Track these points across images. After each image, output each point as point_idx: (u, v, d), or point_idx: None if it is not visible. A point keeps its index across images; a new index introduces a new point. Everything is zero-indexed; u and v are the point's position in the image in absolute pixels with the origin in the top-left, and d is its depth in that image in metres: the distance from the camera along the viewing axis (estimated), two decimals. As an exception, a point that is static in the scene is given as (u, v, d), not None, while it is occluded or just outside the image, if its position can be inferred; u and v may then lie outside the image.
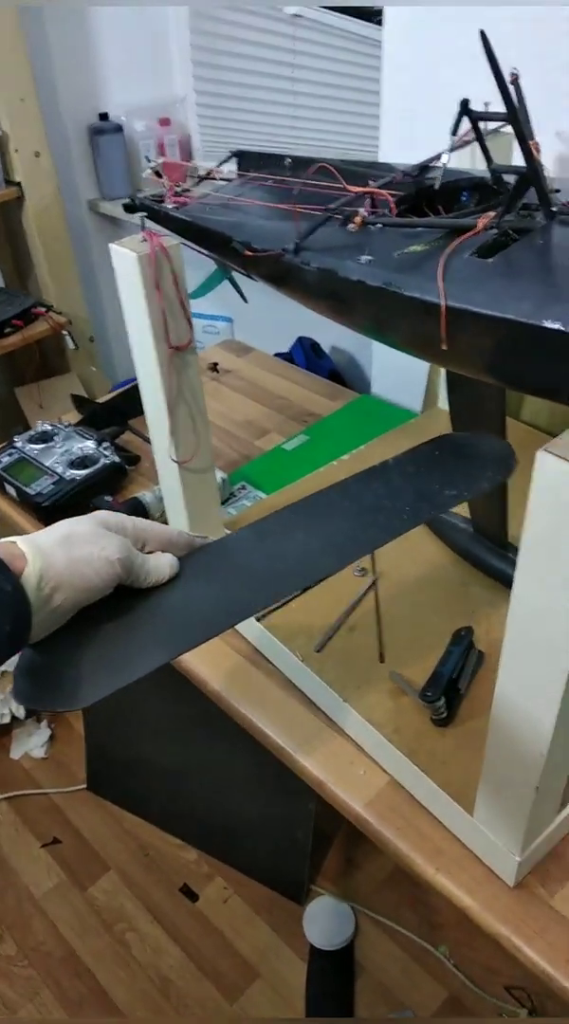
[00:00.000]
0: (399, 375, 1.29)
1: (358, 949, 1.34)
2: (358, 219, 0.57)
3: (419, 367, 1.24)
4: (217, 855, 1.47)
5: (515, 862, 0.60)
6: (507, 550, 0.83)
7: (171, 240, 0.69)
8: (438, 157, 0.66)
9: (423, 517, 0.53)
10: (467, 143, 0.76)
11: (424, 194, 0.66)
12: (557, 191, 0.56)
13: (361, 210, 0.57)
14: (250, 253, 0.67)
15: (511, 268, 0.51)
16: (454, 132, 0.56)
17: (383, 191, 0.63)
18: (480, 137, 0.55)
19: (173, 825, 1.51)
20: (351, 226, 0.59)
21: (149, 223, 0.76)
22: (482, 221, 0.55)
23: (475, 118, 0.54)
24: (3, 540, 0.48)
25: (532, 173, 0.51)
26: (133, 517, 0.54)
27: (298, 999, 1.28)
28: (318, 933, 1.33)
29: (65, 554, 0.48)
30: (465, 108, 0.53)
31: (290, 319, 1.62)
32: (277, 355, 1.64)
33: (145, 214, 0.74)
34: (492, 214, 0.55)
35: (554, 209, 0.53)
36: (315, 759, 0.73)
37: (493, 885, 0.63)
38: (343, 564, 0.52)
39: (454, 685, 0.70)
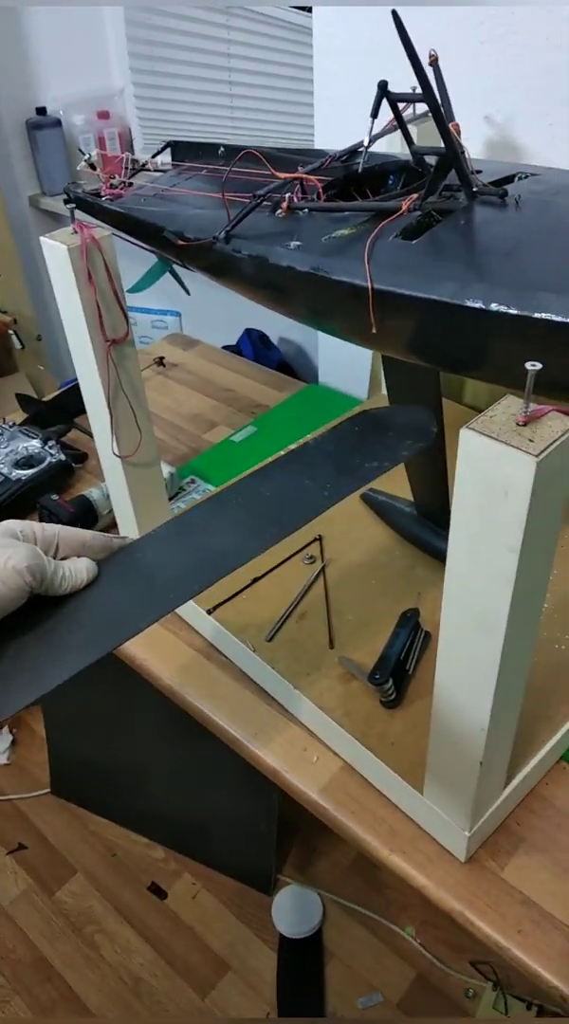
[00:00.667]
0: (344, 363, 1.29)
1: (326, 935, 1.35)
2: (285, 205, 0.57)
3: (363, 355, 1.24)
4: (184, 852, 1.47)
5: (465, 837, 0.61)
6: (448, 530, 0.83)
7: (103, 231, 0.68)
8: (369, 142, 0.66)
9: (345, 492, 0.52)
10: (395, 128, 0.76)
11: (352, 179, 0.67)
12: (478, 172, 0.57)
13: (289, 195, 0.57)
14: (182, 243, 0.67)
15: (435, 249, 0.52)
16: (374, 114, 0.56)
17: (310, 176, 0.63)
18: (399, 119, 0.56)
19: (139, 824, 1.50)
20: (279, 212, 0.59)
21: (80, 215, 0.75)
22: (406, 203, 0.55)
23: (394, 100, 0.54)
24: None
25: (452, 154, 0.52)
26: (43, 523, 0.52)
27: (269, 989, 1.28)
28: (286, 922, 1.34)
29: None
30: (383, 90, 0.54)
31: (237, 311, 1.62)
32: (225, 348, 1.64)
33: (74, 206, 0.73)
34: (415, 196, 0.55)
35: (475, 189, 0.54)
36: (270, 748, 0.73)
37: (446, 862, 0.64)
38: (265, 546, 0.51)
39: (402, 667, 0.71)
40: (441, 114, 0.50)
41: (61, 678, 0.44)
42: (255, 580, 0.84)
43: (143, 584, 0.50)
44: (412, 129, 0.84)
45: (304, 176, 0.63)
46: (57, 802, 1.56)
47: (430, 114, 0.76)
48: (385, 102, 0.55)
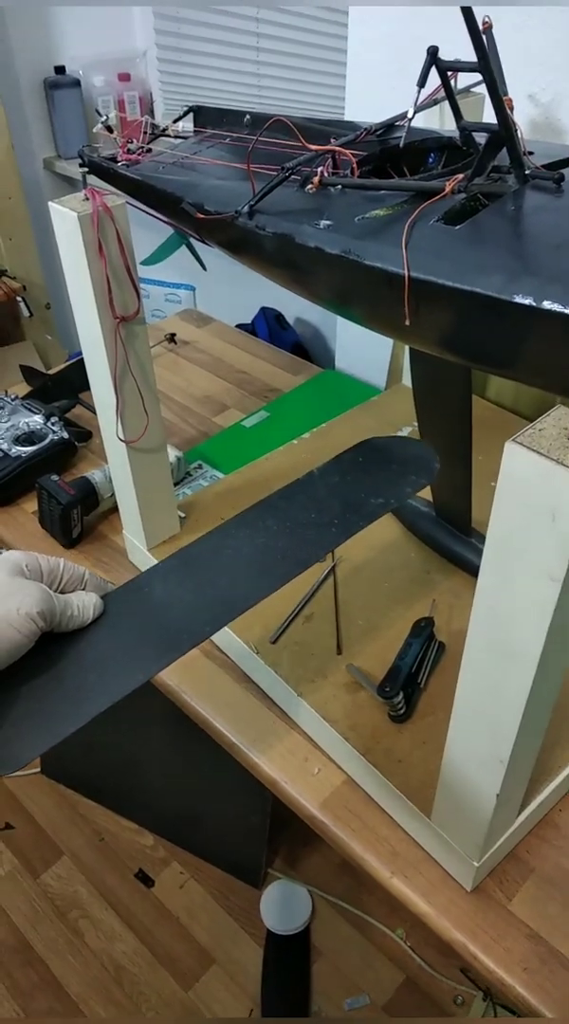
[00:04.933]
0: (363, 350, 1.25)
1: (314, 933, 1.32)
2: (316, 179, 0.52)
3: (383, 342, 1.19)
4: (174, 840, 1.44)
5: (473, 867, 0.58)
6: (470, 536, 0.79)
7: (116, 199, 0.63)
8: (404, 115, 0.61)
9: (353, 530, 0.51)
10: (435, 102, 0.71)
11: (389, 155, 0.62)
12: (530, 153, 0.52)
13: (320, 169, 0.52)
14: (202, 216, 0.62)
15: (480, 236, 0.47)
16: (421, 83, 0.51)
17: (345, 150, 0.58)
18: (449, 89, 0.51)
19: (129, 809, 1.48)
20: (309, 187, 0.54)
21: (95, 181, 0.70)
22: (450, 184, 0.50)
23: (444, 68, 0.49)
24: None
25: (505, 131, 0.47)
26: (45, 556, 0.49)
27: (254, 985, 1.26)
28: (275, 917, 1.31)
29: None
30: (433, 57, 0.48)
31: (254, 288, 1.56)
32: (239, 326, 1.59)
33: (86, 169, 0.68)
34: (460, 177, 0.50)
35: (527, 172, 0.49)
36: (269, 757, 0.69)
37: (450, 890, 0.60)
38: (275, 587, 0.49)
39: (413, 679, 0.67)
40: (496, 86, 0.45)
41: (75, 726, 0.42)
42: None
43: (152, 624, 0.48)
44: (444, 108, 0.80)
45: (337, 149, 0.58)
46: (47, 783, 1.54)
47: (480, 86, 0.71)
48: (433, 71, 0.50)
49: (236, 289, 1.65)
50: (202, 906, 1.36)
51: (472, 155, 0.57)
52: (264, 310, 1.68)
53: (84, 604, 0.47)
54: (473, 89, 0.84)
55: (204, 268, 0.91)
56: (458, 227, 0.48)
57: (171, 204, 0.67)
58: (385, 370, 1.22)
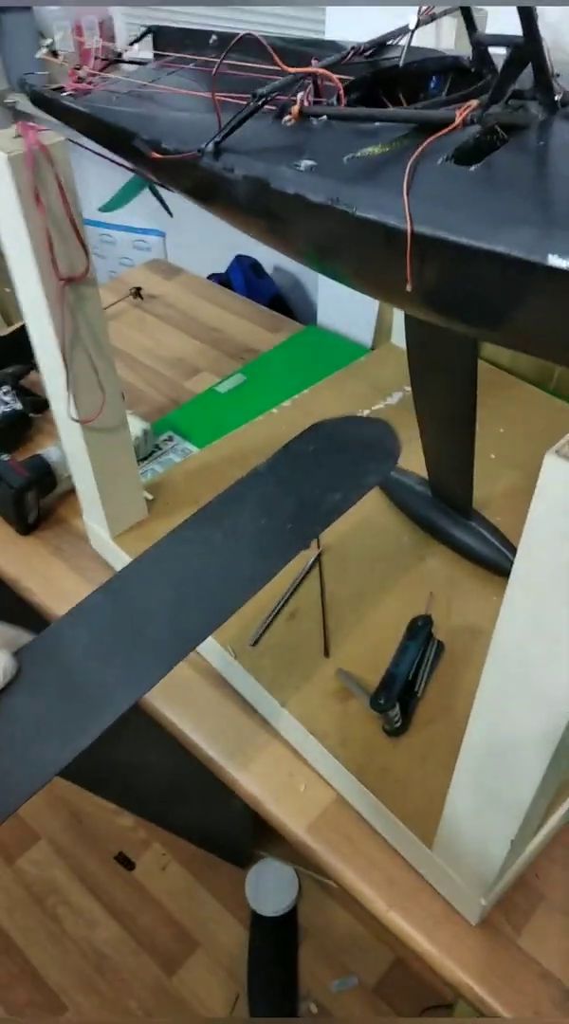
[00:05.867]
0: (347, 304, 1.15)
1: (301, 913, 1.29)
2: (296, 109, 0.43)
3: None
4: (155, 820, 1.39)
5: (480, 905, 0.52)
6: (470, 519, 0.72)
7: (54, 136, 0.53)
8: (401, 32, 0.51)
9: (309, 535, 0.46)
10: (434, 17, 0.61)
11: (382, 79, 0.52)
12: (557, 75, 0.42)
13: (300, 95, 0.42)
14: (158, 155, 0.52)
15: (501, 180, 0.38)
16: None
17: (329, 72, 0.48)
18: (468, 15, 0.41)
19: (107, 790, 1.42)
20: (287, 119, 0.45)
21: (44, 117, 0.59)
22: (461, 113, 0.41)
23: None
24: None
25: (532, 45, 0.37)
26: None
27: (240, 968, 1.23)
28: (261, 899, 1.27)
29: None
30: None
31: (229, 234, 1.44)
32: (212, 276, 1.47)
33: (14, 102, 0.57)
34: (474, 103, 0.41)
35: (558, 98, 0.39)
36: (250, 772, 0.63)
37: (453, 924, 0.54)
38: (221, 621, 0.41)
39: (410, 688, 0.60)
40: (523, -16, 0.35)
41: None
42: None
43: (71, 689, 0.39)
44: (441, 25, 0.69)
45: (321, 72, 0.48)
46: (21, 763, 1.47)
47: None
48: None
49: (209, 235, 1.52)
50: (185, 889, 1.32)
51: (485, 78, 0.47)
52: (240, 258, 1.56)
53: None
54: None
55: (170, 214, 0.81)
56: (473, 168, 0.39)
57: (124, 141, 0.57)
58: (372, 326, 1.13)
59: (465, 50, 0.52)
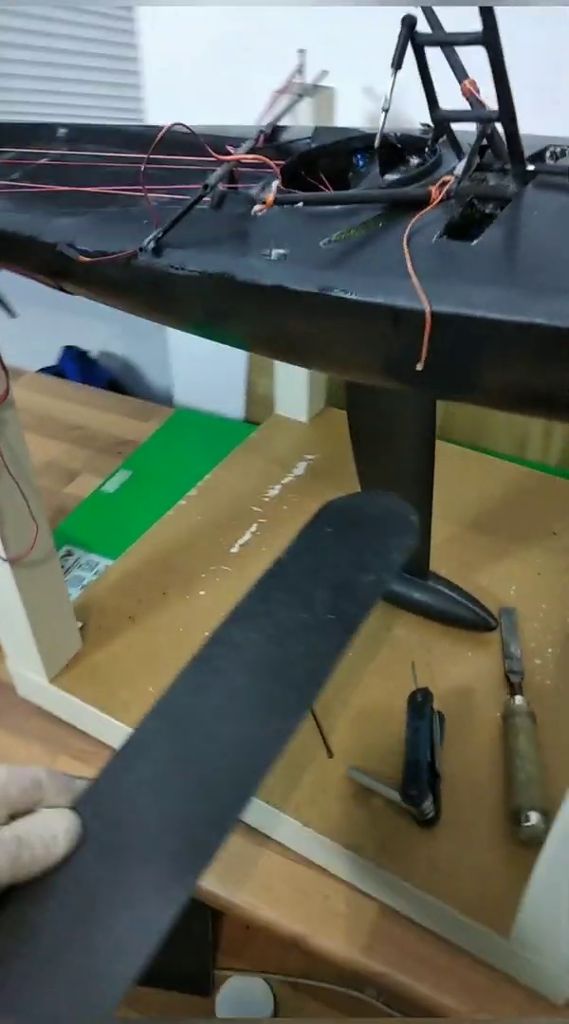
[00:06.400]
0: (210, 381, 1.12)
1: (283, 1019, 1.19)
2: (270, 197, 0.40)
3: (234, 369, 1.08)
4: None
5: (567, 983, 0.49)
6: (427, 579, 0.71)
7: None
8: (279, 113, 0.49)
9: (356, 622, 0.41)
10: (300, 98, 0.62)
11: (306, 160, 0.50)
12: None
13: (275, 184, 0.39)
14: (86, 259, 0.47)
15: (509, 252, 0.37)
16: (398, 65, 0.40)
17: (266, 158, 0.46)
18: (425, 70, 0.40)
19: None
20: (257, 209, 0.42)
21: None
22: (436, 189, 0.40)
23: (422, 43, 0.39)
24: None
25: (507, 117, 0.37)
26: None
27: None
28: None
29: None
30: (411, 29, 0.38)
31: (51, 324, 1.38)
32: (43, 370, 1.40)
33: None
34: (451, 179, 0.40)
35: (531, 169, 0.40)
36: (282, 908, 0.56)
37: (541, 1010, 0.51)
38: (296, 724, 0.36)
39: (433, 770, 0.57)
40: (502, 59, 0.35)
41: None
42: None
43: (137, 848, 0.32)
44: (303, 104, 0.70)
45: (259, 158, 0.46)
46: None
47: (323, 82, 0.62)
48: (410, 50, 0.39)
49: (31, 329, 1.45)
50: (151, 1040, 1.18)
51: (427, 154, 0.47)
52: (68, 348, 1.50)
53: (50, 833, 0.31)
54: (322, 82, 0.75)
55: (13, 315, 0.73)
56: (475, 243, 0.38)
57: (21, 247, 0.52)
58: (242, 401, 1.11)
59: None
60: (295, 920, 0.56)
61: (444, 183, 0.40)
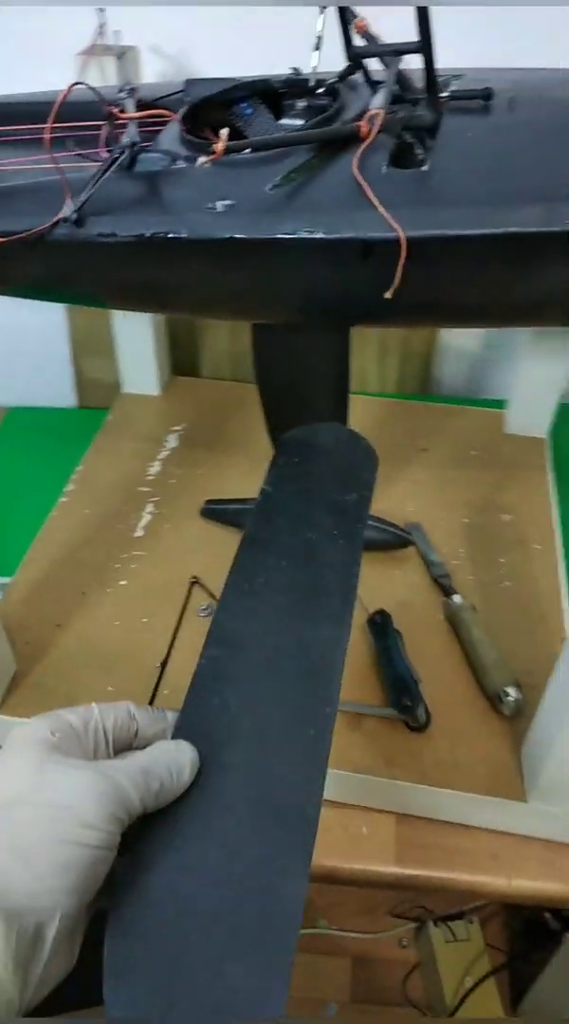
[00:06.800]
0: (34, 373, 1.06)
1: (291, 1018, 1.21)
2: (220, 146, 0.39)
3: (59, 356, 1.02)
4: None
5: (583, 819, 0.56)
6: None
7: None
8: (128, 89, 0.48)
9: (359, 538, 0.45)
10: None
11: (198, 111, 0.49)
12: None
13: (224, 132, 0.38)
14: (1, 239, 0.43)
15: (458, 172, 0.40)
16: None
17: (167, 111, 0.45)
18: (344, 12, 0.41)
19: None
20: (202, 161, 0.40)
21: None
22: (364, 124, 0.42)
23: None
24: None
25: (426, 47, 0.40)
26: (67, 709, 0.33)
27: None
28: None
29: (41, 914, 0.27)
30: None
31: None
32: None
33: None
34: (375, 113, 0.42)
35: (445, 95, 0.43)
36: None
37: (561, 854, 0.58)
38: (348, 629, 0.40)
39: (414, 680, 0.61)
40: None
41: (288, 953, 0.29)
42: (163, 665, 0.64)
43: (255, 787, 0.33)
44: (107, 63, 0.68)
45: (163, 112, 0.44)
46: None
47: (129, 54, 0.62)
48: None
49: None
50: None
51: (318, 94, 0.48)
52: None
53: (177, 766, 0.32)
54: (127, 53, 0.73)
55: None
56: (425, 168, 0.40)
57: None
58: (72, 387, 1.06)
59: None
60: (323, 857, 0.58)
61: (373, 117, 0.41)
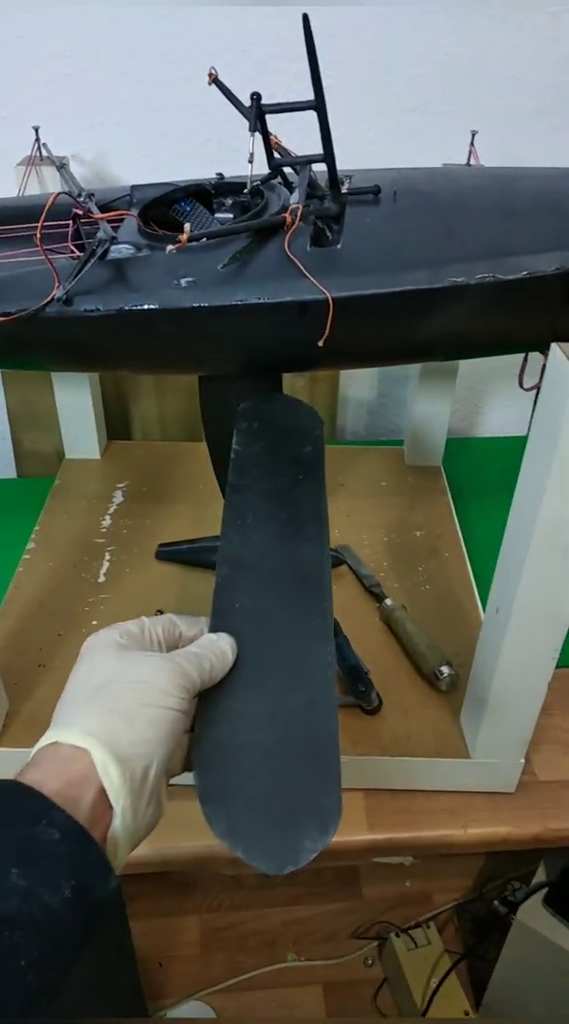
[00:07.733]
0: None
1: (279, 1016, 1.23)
2: (184, 237, 0.49)
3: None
4: None
5: (520, 765, 0.66)
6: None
7: None
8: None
9: (321, 475, 0.55)
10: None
11: (148, 210, 0.61)
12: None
13: (186, 225, 0.49)
14: (3, 319, 0.52)
15: (364, 249, 0.53)
16: (255, 129, 0.52)
17: (126, 212, 0.56)
18: (265, 132, 0.53)
19: None
20: (171, 248, 0.51)
21: None
22: (289, 215, 0.54)
23: (265, 112, 0.51)
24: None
25: (330, 159, 0.53)
26: (125, 623, 0.43)
27: None
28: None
29: (144, 759, 0.37)
30: (258, 102, 0.50)
31: None
32: None
33: None
34: (296, 207, 0.54)
35: (344, 190, 0.55)
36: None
37: (503, 803, 0.68)
38: (327, 548, 0.50)
39: (364, 670, 0.71)
40: (327, 118, 0.50)
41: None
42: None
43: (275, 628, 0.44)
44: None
45: (122, 212, 0.55)
46: None
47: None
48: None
49: None
50: None
51: (244, 196, 0.60)
52: None
53: (220, 649, 0.42)
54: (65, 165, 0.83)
55: None
56: (339, 246, 0.52)
57: None
58: (10, 460, 1.13)
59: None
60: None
61: (294, 210, 0.53)
